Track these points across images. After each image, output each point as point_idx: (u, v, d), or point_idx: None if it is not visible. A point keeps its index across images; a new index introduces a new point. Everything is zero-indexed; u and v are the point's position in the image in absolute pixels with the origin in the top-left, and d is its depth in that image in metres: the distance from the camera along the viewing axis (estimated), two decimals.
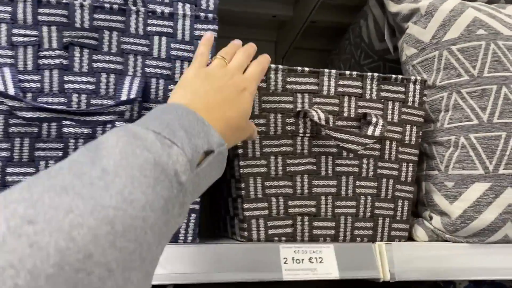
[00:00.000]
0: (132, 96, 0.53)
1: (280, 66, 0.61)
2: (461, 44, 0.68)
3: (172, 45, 0.58)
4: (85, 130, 0.55)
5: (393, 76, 0.66)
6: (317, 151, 0.64)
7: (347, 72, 0.65)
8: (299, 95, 0.63)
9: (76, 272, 0.24)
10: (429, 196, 0.70)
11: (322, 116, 0.60)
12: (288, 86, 0.62)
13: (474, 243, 0.65)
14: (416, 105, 0.68)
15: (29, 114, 0.52)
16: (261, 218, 0.62)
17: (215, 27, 0.60)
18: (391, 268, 0.60)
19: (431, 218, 0.69)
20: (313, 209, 0.64)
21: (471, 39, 0.68)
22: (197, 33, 0.59)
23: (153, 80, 0.58)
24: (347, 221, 0.66)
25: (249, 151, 0.62)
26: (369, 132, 0.62)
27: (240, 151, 0.61)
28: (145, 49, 0.58)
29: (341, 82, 0.64)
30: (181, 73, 0.59)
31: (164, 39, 0.58)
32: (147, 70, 0.58)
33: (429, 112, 0.71)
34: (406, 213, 0.68)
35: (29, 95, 0.54)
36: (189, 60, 0.59)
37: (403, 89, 0.67)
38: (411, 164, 0.68)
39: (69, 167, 0.29)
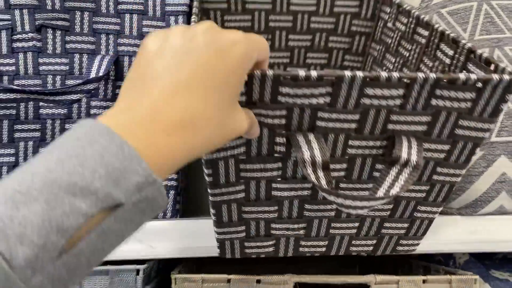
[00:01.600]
0: (101, 73, 0.54)
1: (271, 72, 0.40)
2: (451, 6, 0.64)
3: (144, 22, 0.58)
4: (61, 111, 0.56)
5: (462, 77, 0.39)
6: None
7: (383, 76, 0.39)
8: (296, 110, 0.40)
9: None
10: None
11: (318, 153, 0.41)
12: (282, 99, 0.40)
13: (467, 214, 0.62)
14: (485, 117, 0.43)
15: (6, 96, 0.54)
16: (237, 240, 0.52)
17: (187, 1, 0.59)
18: None
19: None
20: (302, 232, 0.52)
21: (462, 1, 0.64)
22: (168, 8, 0.59)
23: (126, 58, 0.58)
24: (343, 240, 0.54)
25: (221, 178, 0.46)
26: (399, 184, 0.41)
27: (210, 179, 0.46)
28: (117, 27, 0.58)
29: (367, 90, 0.39)
30: None
31: (135, 16, 0.58)
32: (119, 48, 0.58)
33: None
34: (423, 230, 0.55)
35: (5, 78, 0.56)
36: None
37: (473, 95, 0.41)
38: (447, 186, 0.49)
39: None
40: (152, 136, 0.25)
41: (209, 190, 0.47)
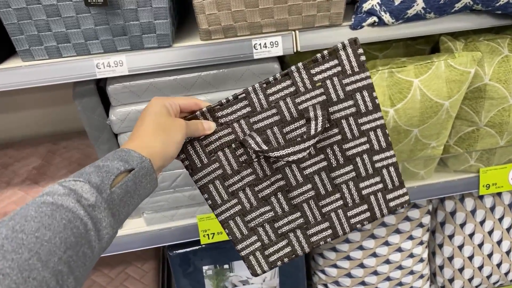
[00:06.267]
0: None
1: (205, 108, 0.62)
2: None
3: None
4: None
5: (318, 56, 0.62)
6: (279, 165, 0.63)
7: (270, 79, 0.61)
8: (235, 125, 0.62)
9: None
10: None
11: (259, 139, 0.59)
12: (221, 120, 0.61)
13: None
14: (356, 70, 0.62)
15: None
16: (257, 251, 0.65)
17: None
18: None
19: None
20: (301, 220, 0.65)
21: None
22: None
23: None
24: (339, 215, 0.65)
25: (217, 198, 0.62)
26: (312, 131, 0.59)
27: (209, 202, 0.64)
28: None
29: (269, 91, 0.61)
30: None
31: None
32: None
33: None
34: (397, 178, 0.66)
35: None
36: None
37: (336, 61, 0.62)
38: (380, 130, 0.64)
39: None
40: (142, 147, 0.55)
41: (214, 213, 0.64)
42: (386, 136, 0.64)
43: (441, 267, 1.32)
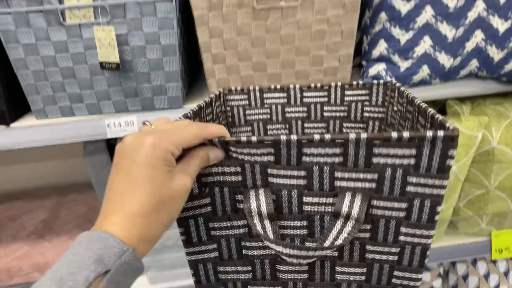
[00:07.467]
0: None
1: (216, 139, 0.44)
2: None
3: None
4: None
5: (394, 135, 0.41)
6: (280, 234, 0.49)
7: (316, 137, 0.42)
8: (247, 166, 0.45)
9: None
10: None
11: (265, 208, 0.45)
12: (233, 154, 0.44)
13: None
14: (434, 173, 0.43)
15: None
16: None
17: None
18: None
19: None
20: None
21: None
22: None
23: None
24: None
25: (193, 236, 0.50)
26: (330, 238, 0.44)
27: (183, 238, 0.50)
28: None
29: (306, 150, 0.43)
30: None
31: None
32: None
33: None
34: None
35: None
36: None
37: (413, 151, 0.42)
38: (420, 248, 0.48)
39: None
40: (126, 227, 0.37)
41: (184, 250, 0.51)
42: (424, 256, 0.48)
43: None
